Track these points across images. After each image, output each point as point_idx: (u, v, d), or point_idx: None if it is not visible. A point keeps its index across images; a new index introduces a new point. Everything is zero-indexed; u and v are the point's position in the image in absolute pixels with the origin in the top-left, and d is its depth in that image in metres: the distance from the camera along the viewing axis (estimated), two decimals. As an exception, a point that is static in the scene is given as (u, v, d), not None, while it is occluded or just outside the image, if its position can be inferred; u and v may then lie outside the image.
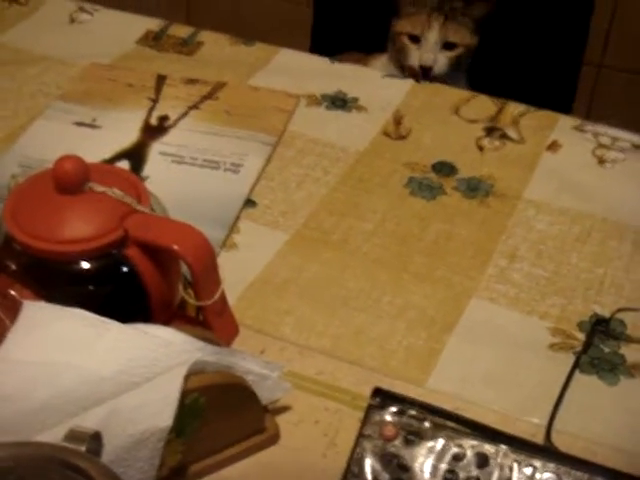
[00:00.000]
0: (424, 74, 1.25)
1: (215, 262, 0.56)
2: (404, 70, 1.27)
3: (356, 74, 0.98)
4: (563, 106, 1.36)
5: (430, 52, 1.26)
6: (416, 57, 1.26)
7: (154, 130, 0.87)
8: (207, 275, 0.55)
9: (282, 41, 1.05)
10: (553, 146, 0.87)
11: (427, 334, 0.66)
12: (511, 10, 1.30)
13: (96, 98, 0.91)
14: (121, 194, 0.56)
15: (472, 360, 0.65)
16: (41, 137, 0.86)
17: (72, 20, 1.08)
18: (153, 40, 1.04)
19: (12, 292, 0.54)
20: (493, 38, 1.31)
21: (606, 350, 0.65)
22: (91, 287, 0.56)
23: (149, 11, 1.12)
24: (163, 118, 0.88)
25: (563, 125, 0.90)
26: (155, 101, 0.91)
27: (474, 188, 0.81)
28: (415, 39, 1.26)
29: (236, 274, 0.70)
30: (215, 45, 1.03)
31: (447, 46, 1.27)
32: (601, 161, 0.85)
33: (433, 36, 1.26)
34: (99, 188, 0.56)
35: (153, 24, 1.07)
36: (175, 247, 0.54)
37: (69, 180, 0.55)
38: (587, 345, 0.65)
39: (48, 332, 0.51)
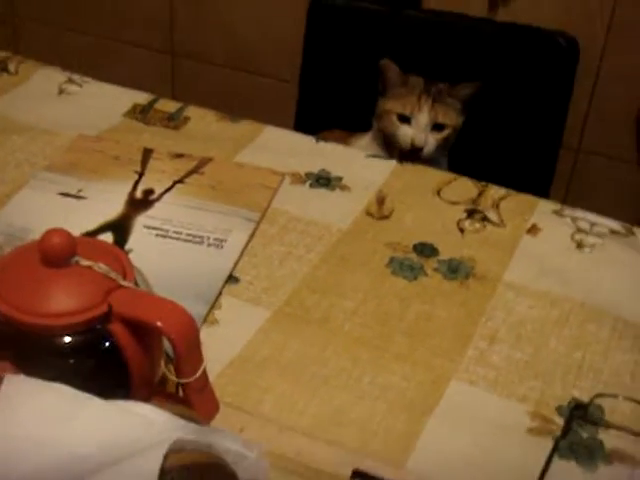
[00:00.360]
0: (414, 154, 1.28)
1: (198, 340, 0.56)
2: (388, 149, 1.29)
3: (340, 153, 1.00)
4: (541, 189, 1.39)
5: (422, 133, 1.30)
6: (407, 137, 1.30)
7: (139, 203, 0.87)
8: (190, 352, 0.55)
9: (266, 117, 1.07)
10: (533, 230, 0.88)
11: (407, 416, 0.66)
12: (492, 93, 1.34)
13: (82, 169, 0.92)
14: (107, 269, 0.56)
15: (451, 443, 0.64)
16: (26, 206, 0.87)
17: (61, 91, 1.10)
18: (140, 113, 1.05)
19: (-8, 365, 0.54)
20: (473, 120, 1.34)
21: (584, 435, 0.65)
22: (73, 361, 0.56)
23: (136, 83, 1.14)
24: (148, 191, 0.89)
25: (543, 209, 0.92)
26: (141, 174, 0.92)
27: (455, 270, 0.82)
28: (405, 119, 1.30)
29: (217, 351, 0.70)
30: (202, 120, 1.05)
31: (436, 127, 1.31)
32: (580, 245, 0.87)
33: (424, 117, 1.30)
34: (85, 262, 0.56)
35: (141, 98, 1.09)
36: (159, 324, 0.54)
37: (56, 253, 0.55)
38: (566, 430, 0.65)
39: (28, 407, 0.51)
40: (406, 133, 1.31)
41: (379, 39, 1.46)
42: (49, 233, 0.55)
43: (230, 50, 1.76)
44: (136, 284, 0.58)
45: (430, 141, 1.31)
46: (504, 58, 1.40)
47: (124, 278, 0.57)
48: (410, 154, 1.29)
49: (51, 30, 1.95)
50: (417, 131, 1.30)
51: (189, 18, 1.77)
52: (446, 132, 1.32)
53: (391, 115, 1.32)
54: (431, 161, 1.29)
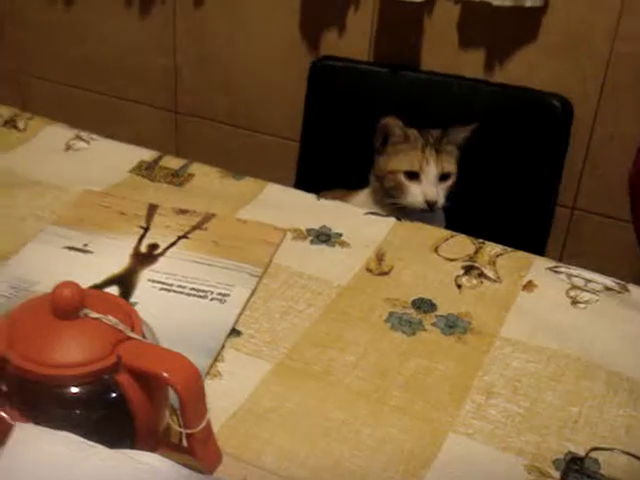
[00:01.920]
0: (430, 209, 1.27)
1: (203, 391, 0.58)
2: (387, 206, 1.29)
3: (340, 210, 1.02)
4: (537, 246, 1.41)
5: (433, 186, 1.27)
6: (418, 194, 1.27)
7: (144, 257, 0.89)
8: (195, 403, 0.57)
9: (268, 174, 1.10)
10: (528, 286, 0.90)
11: (405, 468, 0.67)
12: (488, 152, 1.37)
13: (89, 224, 0.95)
14: (115, 321, 0.58)
15: (449, 495, 0.66)
16: (33, 259, 0.89)
17: (68, 147, 1.13)
18: (146, 170, 1.08)
19: (2, 414, 0.56)
20: (471, 178, 1.36)
21: (580, 489, 0.66)
22: (81, 411, 0.57)
23: (141, 140, 1.17)
24: (153, 246, 0.91)
25: (538, 266, 0.94)
26: (146, 229, 0.94)
27: (452, 325, 0.84)
28: (413, 176, 1.28)
29: (220, 402, 0.72)
30: (205, 177, 1.08)
31: (442, 177, 1.29)
32: (575, 302, 0.88)
33: (432, 170, 1.27)
34: (94, 315, 0.58)
35: (146, 155, 1.12)
36: (165, 375, 0.55)
37: (66, 306, 0.57)
38: (562, 483, 0.67)
39: (37, 455, 0.52)
40: (417, 191, 1.27)
41: (378, 100, 1.50)
42: (60, 286, 0.57)
43: (232, 108, 1.79)
44: (143, 336, 0.60)
45: (440, 193, 1.28)
46: (500, 119, 1.43)
47: (132, 330, 0.59)
48: (422, 211, 1.27)
49: (58, 88, 2.00)
50: (428, 186, 1.27)
51: (193, 77, 1.81)
52: (451, 180, 1.30)
53: (398, 174, 1.28)
54: (434, 213, 1.29)
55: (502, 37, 1.47)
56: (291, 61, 1.66)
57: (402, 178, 1.28)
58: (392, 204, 1.29)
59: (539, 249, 1.44)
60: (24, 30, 1.98)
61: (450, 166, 1.29)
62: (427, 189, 1.27)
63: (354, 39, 1.59)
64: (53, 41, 1.95)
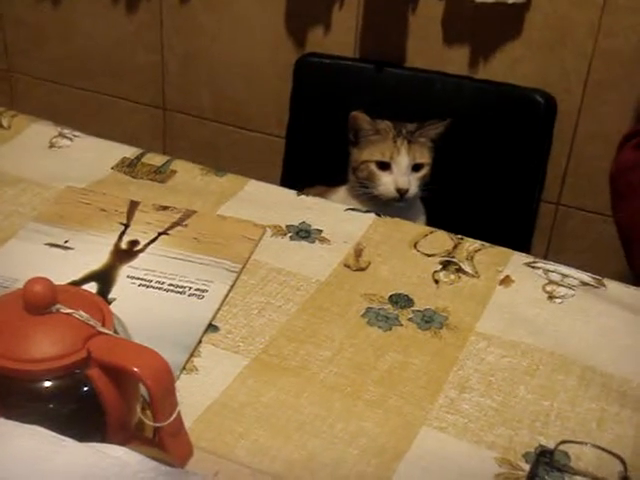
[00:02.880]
0: (401, 198, 1.30)
1: (173, 385, 0.58)
2: (365, 200, 1.31)
3: (320, 207, 1.03)
4: (521, 242, 1.42)
5: (404, 176, 1.31)
6: (389, 183, 1.31)
7: (124, 254, 0.90)
8: (164, 397, 0.57)
9: (254, 171, 1.11)
10: (505, 281, 0.91)
11: (378, 461, 0.68)
12: (472, 148, 1.37)
13: (69, 221, 0.95)
14: (86, 316, 0.59)
15: (420, 488, 0.66)
16: (13, 256, 0.89)
17: (51, 145, 1.13)
18: (128, 167, 1.08)
19: (-26, 408, 0.56)
20: (454, 176, 1.37)
21: (550, 481, 0.67)
22: (52, 405, 0.58)
23: (129, 137, 1.17)
24: (133, 242, 0.92)
25: (515, 261, 0.95)
26: (127, 226, 0.95)
27: (429, 320, 0.84)
28: (384, 165, 1.32)
29: (195, 397, 0.72)
30: (187, 174, 1.08)
31: (414, 168, 1.32)
32: (551, 297, 0.89)
33: (404, 160, 1.31)
34: (66, 310, 0.59)
35: (129, 152, 1.12)
36: (135, 369, 0.56)
37: (37, 301, 0.58)
38: (532, 476, 0.67)
39: (6, 449, 0.53)
40: (388, 180, 1.32)
41: (363, 96, 1.51)
42: (31, 281, 0.58)
43: (219, 105, 1.80)
44: (115, 332, 0.61)
45: (412, 182, 1.32)
46: (484, 115, 1.44)
47: (103, 325, 0.59)
48: (394, 200, 1.31)
49: (46, 85, 2.00)
50: (399, 175, 1.32)
51: (180, 74, 1.82)
52: (423, 171, 1.34)
53: (369, 164, 1.33)
54: (411, 204, 1.32)
55: (486, 33, 1.48)
56: (277, 57, 1.67)
57: (374, 168, 1.33)
58: (365, 194, 1.33)
59: (524, 245, 1.45)
60: (11, 27, 1.98)
61: (422, 157, 1.34)
62: (398, 178, 1.31)
63: (339, 36, 1.59)
64: (40, 38, 1.95)
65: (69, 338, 0.58)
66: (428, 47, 1.52)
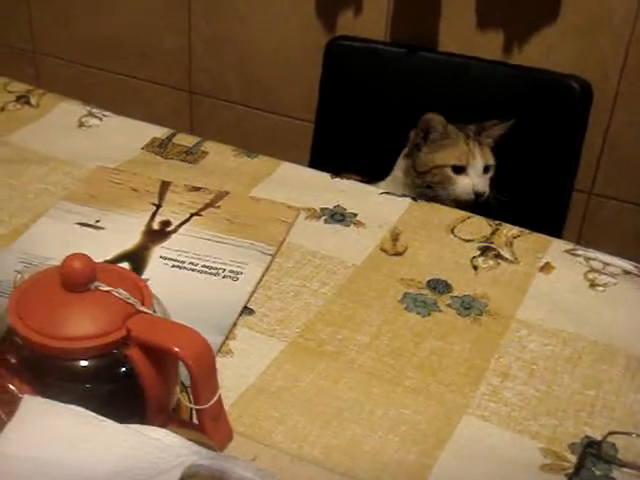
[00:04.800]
0: (477, 200, 1.29)
1: (214, 367, 0.57)
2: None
3: (355, 190, 1.01)
4: (553, 231, 1.39)
5: (480, 178, 1.30)
6: (467, 186, 1.30)
7: (156, 234, 0.88)
8: (206, 379, 0.56)
9: (281, 155, 1.09)
10: (546, 268, 0.89)
11: (419, 449, 0.66)
12: (505, 135, 1.35)
13: (100, 200, 0.94)
14: (126, 294, 0.57)
15: (463, 477, 0.64)
16: (44, 235, 0.88)
17: (81, 124, 1.12)
18: (159, 147, 1.07)
19: (11, 386, 0.55)
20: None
21: (597, 473, 0.65)
22: (90, 385, 0.56)
23: (155, 120, 1.16)
24: (165, 223, 0.90)
25: (555, 248, 0.92)
26: (158, 206, 0.93)
27: (468, 306, 0.82)
28: (459, 169, 1.30)
29: (231, 380, 0.71)
30: (219, 155, 1.06)
31: (485, 170, 1.31)
32: (593, 285, 0.87)
33: (479, 163, 1.30)
34: (105, 288, 0.57)
35: (159, 132, 1.10)
36: (176, 349, 0.54)
37: (76, 278, 0.56)
38: (579, 467, 0.65)
39: (45, 428, 0.51)
40: (465, 183, 1.29)
41: (394, 81, 1.48)
42: (70, 258, 0.56)
43: (247, 89, 1.78)
44: (154, 311, 0.59)
45: (486, 184, 1.31)
46: (518, 101, 1.41)
47: (142, 304, 0.58)
48: (469, 203, 1.28)
49: (72, 67, 1.99)
50: (475, 178, 1.29)
51: (207, 57, 1.80)
52: (492, 172, 1.32)
53: (444, 169, 1.30)
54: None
55: (520, 18, 1.45)
56: (306, 41, 1.64)
57: (450, 172, 1.30)
58: (434, 197, 1.26)
59: (556, 234, 1.42)
60: (37, 7, 1.97)
61: (491, 159, 1.32)
62: (475, 181, 1.29)
63: (371, 19, 1.57)
64: (68, 20, 1.93)
65: (108, 316, 0.56)
66: (461, 31, 1.50)
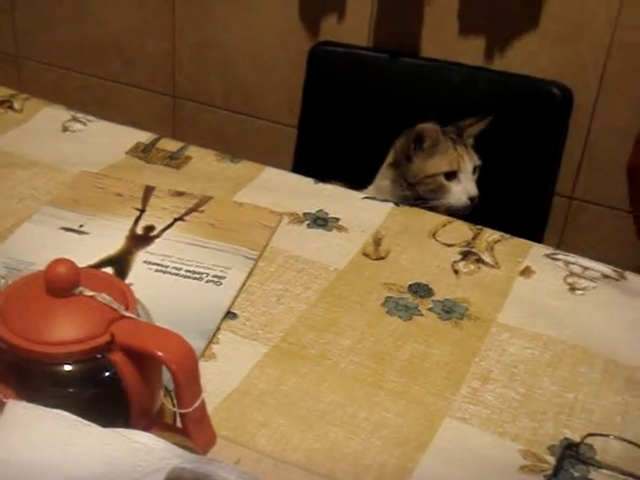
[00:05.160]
0: (471, 205, 1.24)
1: (197, 371, 0.57)
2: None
3: (338, 195, 1.02)
4: (534, 236, 1.41)
5: (472, 182, 1.25)
6: (461, 192, 1.24)
7: (139, 239, 0.89)
8: (189, 383, 0.56)
9: (264, 160, 1.09)
10: (526, 272, 0.90)
11: (400, 452, 0.67)
12: (486, 140, 1.36)
13: (84, 205, 0.94)
14: (110, 299, 0.57)
15: (444, 479, 0.65)
16: (28, 240, 0.88)
17: (65, 129, 1.12)
18: (143, 152, 1.07)
19: (-5, 391, 0.55)
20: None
21: (576, 474, 0.66)
22: (75, 389, 0.57)
23: (138, 124, 1.16)
24: (149, 228, 0.91)
25: (536, 253, 0.93)
26: (142, 211, 0.94)
27: (449, 310, 0.83)
28: (450, 175, 1.25)
29: (214, 384, 0.71)
30: (202, 160, 1.07)
31: (473, 171, 1.27)
32: (572, 288, 0.88)
33: (468, 166, 1.25)
34: (88, 292, 0.57)
35: (143, 137, 1.11)
36: (160, 354, 0.55)
37: (60, 283, 0.57)
38: (557, 469, 0.66)
39: (29, 432, 0.52)
40: (458, 189, 1.25)
41: (377, 86, 1.49)
42: (54, 263, 0.57)
43: (230, 93, 1.78)
44: (138, 315, 0.59)
45: (476, 187, 1.26)
46: (499, 106, 1.42)
47: (126, 309, 0.58)
48: (465, 209, 1.23)
49: (55, 71, 1.98)
50: (467, 182, 1.24)
51: (191, 61, 1.80)
52: (478, 173, 1.27)
53: (437, 177, 1.24)
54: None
55: (502, 24, 1.46)
56: (290, 46, 1.65)
57: (442, 180, 1.24)
58: (427, 208, 1.14)
59: (536, 238, 1.43)
60: (21, 12, 1.96)
61: (477, 159, 1.27)
62: (468, 185, 1.25)
63: (354, 24, 1.58)
64: (50, 23, 1.93)
65: (92, 321, 0.57)
66: (443, 37, 1.51)
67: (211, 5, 1.71)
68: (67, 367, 0.56)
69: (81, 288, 0.57)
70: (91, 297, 0.57)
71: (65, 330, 0.56)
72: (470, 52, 1.49)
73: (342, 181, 1.25)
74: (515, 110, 1.42)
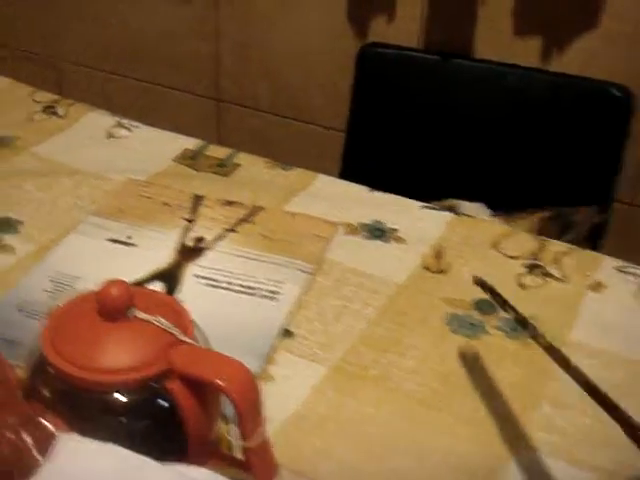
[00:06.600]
0: None
1: (260, 400, 0.53)
2: None
3: (394, 203, 0.97)
4: (593, 242, 1.35)
5: None
6: None
7: (189, 251, 0.85)
8: (252, 413, 0.52)
9: (311, 165, 1.05)
10: (596, 286, 0.85)
11: (471, 483, 0.63)
12: (544, 144, 1.31)
13: (131, 215, 0.90)
14: (166, 324, 0.53)
15: (520, 515, 0.61)
16: (74, 252, 0.85)
17: (109, 135, 1.09)
18: (190, 159, 1.04)
19: (44, 421, 0.51)
20: (525, 172, 1.31)
21: (664, 511, 0.61)
22: (128, 420, 0.53)
23: (181, 128, 1.13)
24: (199, 239, 0.87)
25: (606, 265, 0.88)
26: (191, 221, 0.90)
27: (517, 328, 0.78)
28: None
29: (272, 408, 0.67)
30: (252, 167, 1.03)
31: None
32: (645, 304, 0.83)
33: None
34: (143, 316, 0.53)
35: (191, 143, 1.07)
36: (221, 383, 0.51)
37: (114, 306, 0.53)
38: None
39: (82, 468, 0.48)
40: None
41: (428, 89, 1.44)
42: (108, 285, 0.53)
43: (276, 96, 1.75)
44: (195, 340, 0.55)
45: None
46: (557, 110, 1.37)
47: (183, 333, 0.54)
48: None
49: (97, 75, 1.96)
50: None
51: (235, 64, 1.76)
52: None
53: None
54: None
55: (560, 23, 1.41)
56: (337, 47, 1.61)
57: None
58: None
59: (594, 246, 1.38)
60: (62, 14, 1.94)
61: None
62: None
63: (404, 25, 1.53)
64: (93, 26, 1.91)
65: (147, 347, 0.53)
66: (497, 38, 1.46)
67: (256, 5, 1.68)
68: (120, 396, 0.52)
69: (135, 311, 0.54)
70: (146, 321, 0.53)
71: (119, 357, 0.52)
72: (526, 53, 1.44)
73: (392, 187, 1.21)
74: (573, 113, 1.36)
